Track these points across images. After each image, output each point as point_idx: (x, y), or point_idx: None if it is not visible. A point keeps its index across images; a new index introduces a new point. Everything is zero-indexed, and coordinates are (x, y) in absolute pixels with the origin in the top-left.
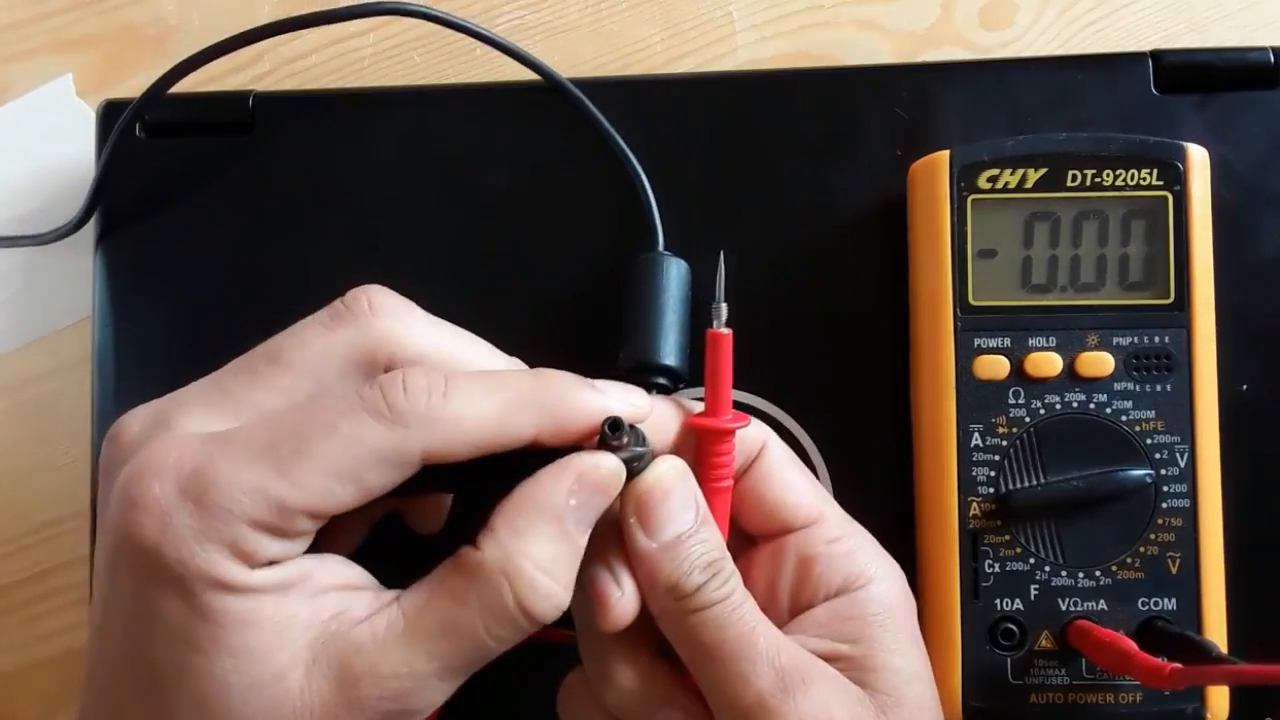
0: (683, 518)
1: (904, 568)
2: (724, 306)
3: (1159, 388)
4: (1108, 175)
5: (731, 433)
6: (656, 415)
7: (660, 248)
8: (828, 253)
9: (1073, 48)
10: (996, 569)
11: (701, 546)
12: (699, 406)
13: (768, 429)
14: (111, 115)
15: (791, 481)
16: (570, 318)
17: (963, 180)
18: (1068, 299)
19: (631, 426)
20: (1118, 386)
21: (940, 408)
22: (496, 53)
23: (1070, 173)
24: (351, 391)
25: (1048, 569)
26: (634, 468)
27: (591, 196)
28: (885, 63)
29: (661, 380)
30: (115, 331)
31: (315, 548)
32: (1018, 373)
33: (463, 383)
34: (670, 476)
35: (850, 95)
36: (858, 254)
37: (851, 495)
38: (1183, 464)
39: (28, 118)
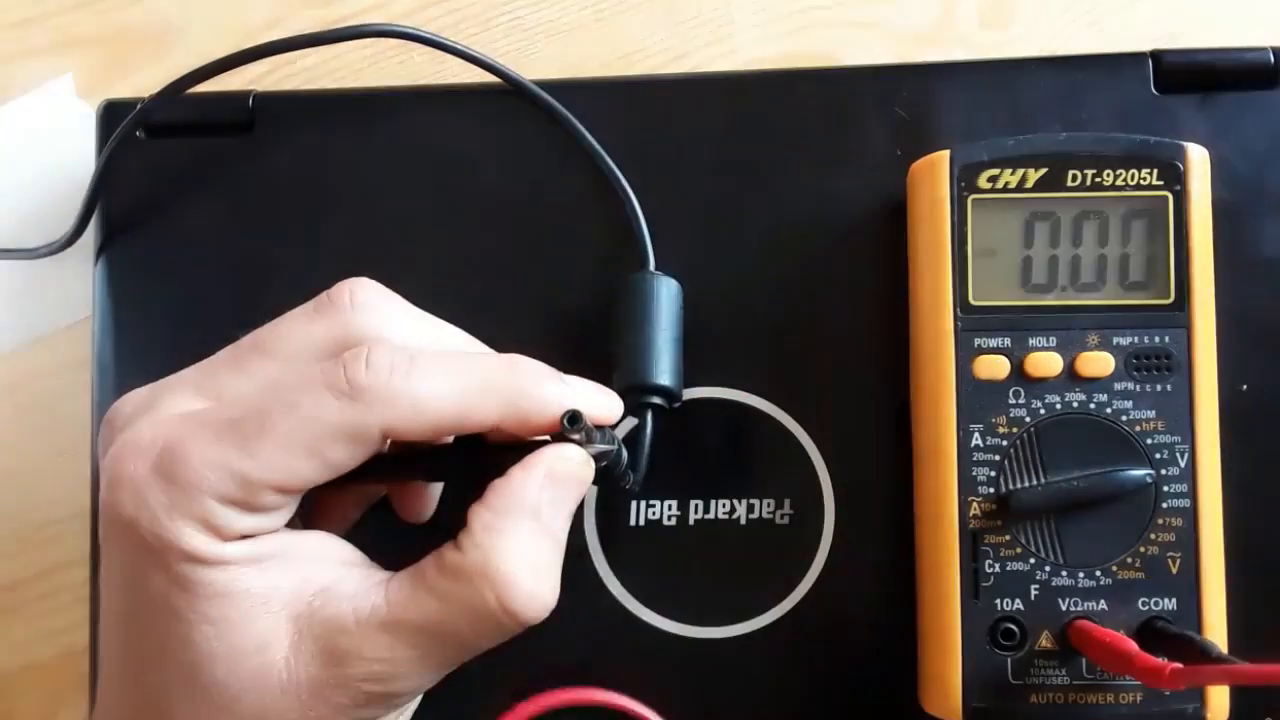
0: None
1: (903, 567)
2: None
3: (1159, 388)
4: (1108, 175)
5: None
6: None
7: (651, 267)
8: (828, 252)
9: (1073, 48)
10: (997, 569)
11: None
12: None
13: None
14: (111, 115)
15: None
16: (573, 318)
17: (963, 180)
18: (1068, 299)
19: (601, 426)
20: (1118, 386)
21: (940, 408)
22: (496, 52)
23: (1070, 172)
24: (315, 369)
25: (1048, 569)
26: (605, 464)
27: (584, 205)
28: (885, 63)
29: (657, 400)
30: (115, 331)
31: (308, 529)
32: (1018, 373)
33: (428, 362)
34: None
35: (850, 95)
36: (858, 254)
37: (851, 495)
38: (1183, 464)
39: (28, 118)
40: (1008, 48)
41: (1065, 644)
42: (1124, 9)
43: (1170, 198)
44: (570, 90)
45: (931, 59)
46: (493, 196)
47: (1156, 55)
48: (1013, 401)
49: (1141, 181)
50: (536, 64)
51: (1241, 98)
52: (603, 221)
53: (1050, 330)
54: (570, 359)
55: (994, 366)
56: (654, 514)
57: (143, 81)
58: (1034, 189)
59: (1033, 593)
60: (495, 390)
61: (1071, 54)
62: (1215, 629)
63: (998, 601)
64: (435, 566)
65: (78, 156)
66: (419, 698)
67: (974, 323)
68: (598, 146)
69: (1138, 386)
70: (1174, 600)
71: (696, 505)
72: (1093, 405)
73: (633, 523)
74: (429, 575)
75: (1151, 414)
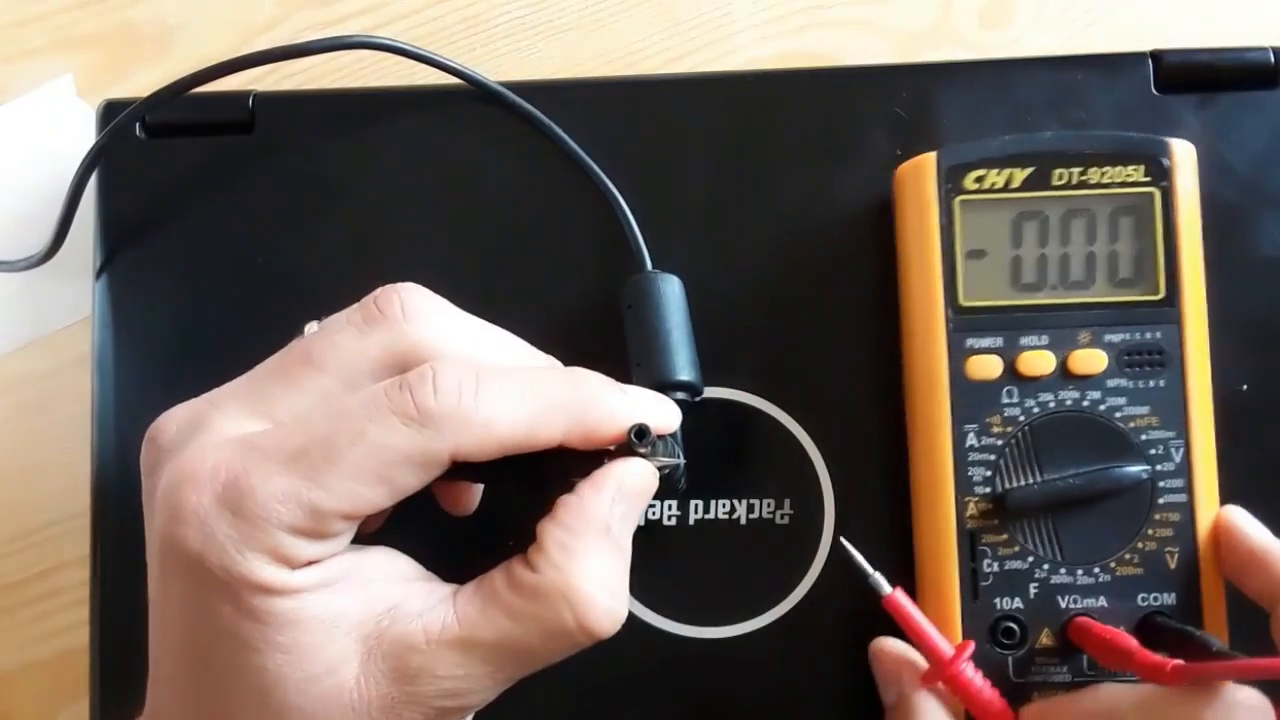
0: None
1: (903, 567)
2: (878, 577)
3: (1152, 383)
4: (1094, 173)
5: (957, 664)
6: None
7: (648, 267)
8: (827, 252)
9: (1073, 47)
10: (995, 568)
11: None
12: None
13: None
14: (111, 115)
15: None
16: (573, 319)
17: (949, 181)
18: (1058, 297)
19: (662, 436)
20: (1111, 383)
21: (934, 409)
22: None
23: (1057, 171)
24: (380, 392)
25: (1046, 567)
26: (668, 475)
27: (585, 206)
28: (885, 63)
29: (681, 396)
30: (115, 331)
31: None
32: (1011, 372)
33: (494, 383)
34: None
35: (850, 95)
36: (858, 253)
37: (851, 495)
38: (1178, 459)
39: (28, 118)
40: (1007, 48)
41: (1066, 641)
42: (1124, 9)
43: (1157, 193)
44: (570, 90)
45: (931, 59)
46: (492, 196)
47: (1156, 55)
48: (1006, 401)
49: (1128, 178)
50: (536, 64)
51: (1241, 98)
52: (603, 222)
53: (1042, 329)
54: (570, 360)
55: (987, 366)
56: (654, 514)
57: (143, 81)
58: (1021, 189)
59: (1032, 591)
60: (563, 407)
61: (1071, 54)
62: (1215, 622)
63: (997, 600)
64: (508, 584)
65: (78, 157)
66: None
67: (965, 323)
68: (580, 151)
69: (1131, 383)
70: (1173, 595)
71: (696, 505)
72: (1086, 403)
73: None
74: (501, 593)
75: (1145, 410)
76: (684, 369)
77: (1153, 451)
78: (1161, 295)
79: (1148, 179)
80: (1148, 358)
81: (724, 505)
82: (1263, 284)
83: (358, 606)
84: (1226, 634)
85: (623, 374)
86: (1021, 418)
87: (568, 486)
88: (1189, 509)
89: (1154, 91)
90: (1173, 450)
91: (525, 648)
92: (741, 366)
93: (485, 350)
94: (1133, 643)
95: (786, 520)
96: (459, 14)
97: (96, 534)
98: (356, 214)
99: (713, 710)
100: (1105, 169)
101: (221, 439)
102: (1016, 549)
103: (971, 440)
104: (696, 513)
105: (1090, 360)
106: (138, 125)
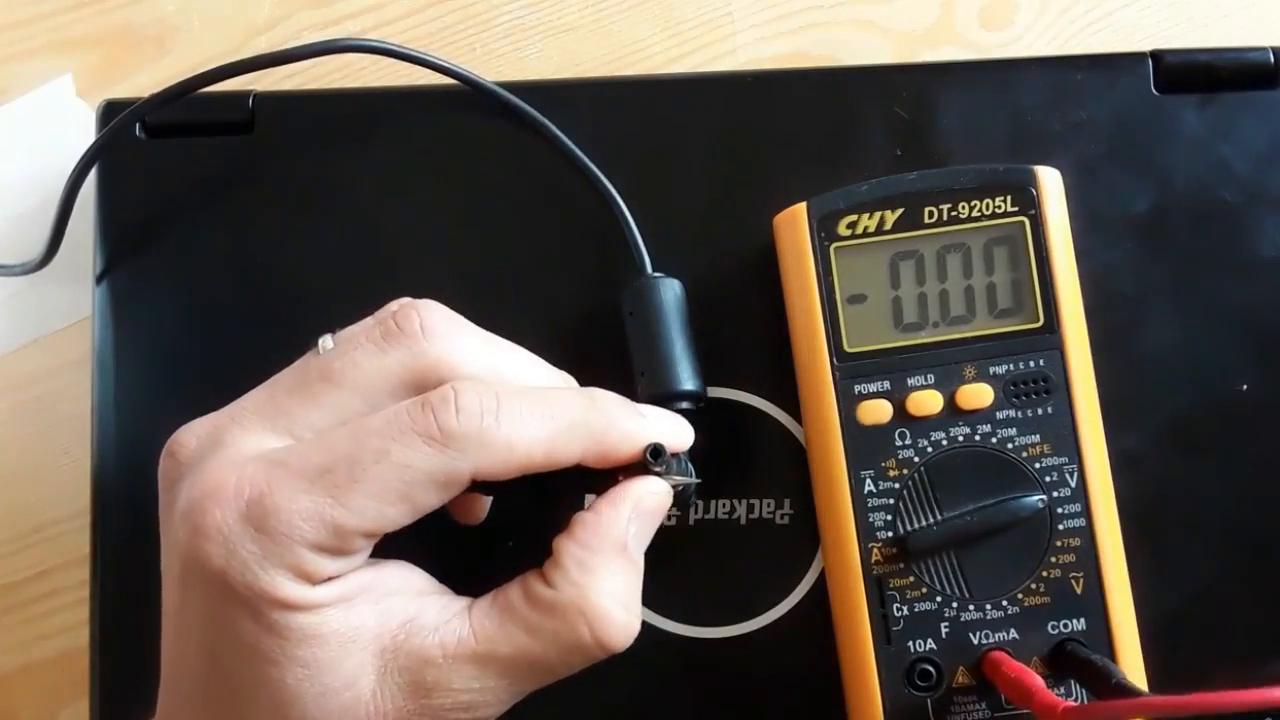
0: None
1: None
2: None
3: (1040, 411)
4: (963, 207)
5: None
6: None
7: (649, 269)
8: None
9: (1073, 47)
10: (905, 611)
11: None
12: None
13: None
14: (111, 115)
15: None
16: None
17: (823, 230)
18: (941, 334)
19: (676, 454)
20: (1000, 415)
21: (830, 457)
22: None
23: (927, 209)
24: (403, 412)
25: (955, 605)
26: (680, 492)
27: (586, 207)
28: (885, 63)
29: (686, 405)
30: (115, 331)
31: None
32: (900, 414)
33: (514, 404)
34: None
35: (850, 95)
36: None
37: None
38: (1073, 484)
39: (27, 118)
40: (1007, 48)
41: (982, 678)
42: (1124, 9)
43: (1027, 222)
44: (569, 90)
45: (931, 59)
46: (492, 196)
47: (1156, 55)
48: (900, 443)
49: (997, 210)
50: (536, 64)
51: (1241, 98)
52: (603, 223)
53: (927, 368)
54: (570, 359)
55: (877, 411)
56: None
57: (143, 81)
58: (894, 230)
59: (943, 631)
60: (581, 428)
61: (1071, 54)
62: (1128, 644)
63: (910, 644)
64: (525, 599)
65: (77, 157)
66: None
67: (851, 370)
68: (579, 151)
69: (1019, 413)
70: (1082, 620)
71: (696, 505)
72: (978, 437)
73: None
74: (518, 608)
75: (1036, 438)
76: (688, 379)
77: (1048, 479)
78: (1041, 322)
79: (1015, 209)
80: (1033, 386)
81: (724, 505)
82: (1263, 284)
83: (375, 621)
84: (1140, 655)
85: (621, 374)
86: (916, 459)
87: (578, 499)
88: (1089, 533)
89: (1154, 91)
90: (1067, 476)
91: (541, 662)
92: (741, 366)
93: (504, 369)
94: (1035, 681)
95: (786, 520)
96: (459, 14)
97: (96, 534)
98: (356, 214)
99: (712, 710)
100: (974, 202)
101: (244, 455)
102: (924, 590)
103: (870, 486)
104: (696, 513)
105: (977, 394)
106: (138, 125)
